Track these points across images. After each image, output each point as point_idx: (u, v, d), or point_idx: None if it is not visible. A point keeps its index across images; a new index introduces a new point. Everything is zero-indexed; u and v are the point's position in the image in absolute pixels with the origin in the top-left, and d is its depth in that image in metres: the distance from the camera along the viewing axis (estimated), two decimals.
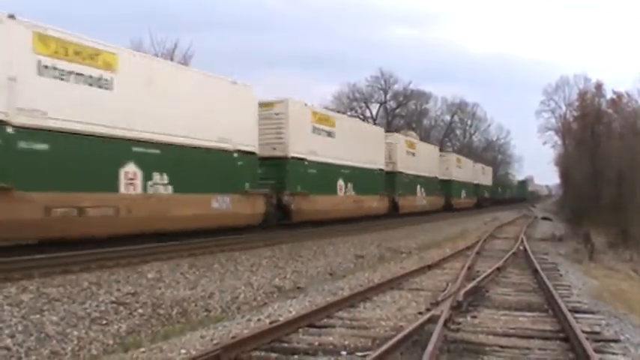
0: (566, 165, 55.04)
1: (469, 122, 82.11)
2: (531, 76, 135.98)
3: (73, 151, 11.39)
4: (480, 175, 55.89)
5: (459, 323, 6.99)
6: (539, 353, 5.86)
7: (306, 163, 20.16)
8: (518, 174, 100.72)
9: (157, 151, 13.38)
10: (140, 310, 7.96)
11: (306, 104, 21.07)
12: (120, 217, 12.25)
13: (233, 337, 6.22)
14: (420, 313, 7.54)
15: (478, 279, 9.97)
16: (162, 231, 13.70)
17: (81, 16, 60.00)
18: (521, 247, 16.63)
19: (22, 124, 10.45)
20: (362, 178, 24.70)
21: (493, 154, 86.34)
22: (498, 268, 11.79)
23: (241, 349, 5.64)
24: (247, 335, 6.07)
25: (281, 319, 7.16)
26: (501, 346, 6.02)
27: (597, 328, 6.91)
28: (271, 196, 18.00)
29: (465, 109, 79.47)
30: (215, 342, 6.22)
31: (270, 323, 6.85)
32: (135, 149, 12.84)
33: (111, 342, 6.76)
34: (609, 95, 47.96)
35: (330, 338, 6.30)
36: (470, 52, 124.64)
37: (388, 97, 66.14)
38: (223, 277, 10.79)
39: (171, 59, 33.90)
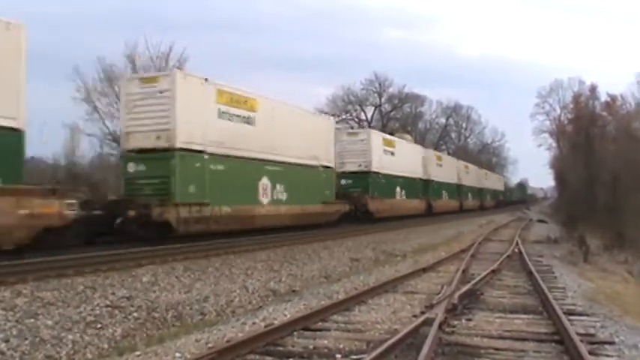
0: (561, 167, 55.23)
1: (464, 125, 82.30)
2: (526, 79, 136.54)
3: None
4: (497, 182, 73.66)
5: (454, 326, 7.00)
6: (534, 355, 5.87)
7: (434, 182, 39.93)
8: (513, 176, 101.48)
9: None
10: (135, 314, 7.95)
11: (434, 152, 45.14)
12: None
13: (228, 341, 6.22)
14: (415, 316, 7.54)
15: (473, 282, 9.97)
16: (405, 215, 31.80)
17: (76, 17, 60.00)
18: (516, 250, 16.66)
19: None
20: (450, 190, 44.81)
21: (488, 157, 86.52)
22: (493, 271, 11.80)
23: (236, 352, 5.64)
24: (242, 339, 6.07)
25: (276, 322, 7.16)
26: (496, 349, 6.02)
27: (592, 330, 6.93)
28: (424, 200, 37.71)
29: (460, 112, 79.67)
30: (210, 345, 6.21)
31: (265, 327, 6.85)
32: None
33: (106, 346, 6.75)
34: (604, 98, 48.22)
35: (325, 341, 6.30)
36: (464, 55, 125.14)
37: (383, 100, 66.21)
38: (218, 280, 10.78)
39: (166, 62, 33.92)
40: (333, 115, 48.72)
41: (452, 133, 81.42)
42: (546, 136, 65.09)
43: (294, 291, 10.50)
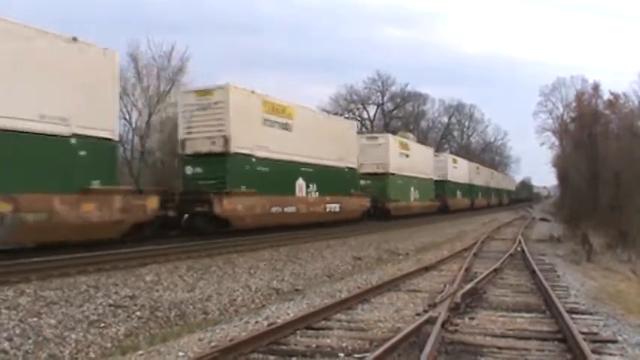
0: (563, 166, 55.07)
1: (466, 124, 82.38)
2: (528, 77, 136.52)
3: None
4: (509, 183, 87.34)
5: (457, 325, 6.99)
6: (537, 354, 5.86)
7: (475, 185, 54.90)
8: (515, 175, 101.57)
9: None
10: (138, 313, 7.95)
11: (474, 164, 57.14)
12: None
13: (231, 340, 6.22)
14: (418, 314, 7.53)
15: (476, 280, 9.96)
16: (461, 209, 46.78)
17: (76, 17, 60.05)
18: (518, 249, 16.63)
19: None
20: (482, 191, 58.84)
21: (491, 156, 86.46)
22: (496, 270, 11.78)
23: (239, 351, 5.65)
24: (245, 338, 6.07)
25: (279, 321, 7.16)
26: (499, 348, 6.01)
27: (595, 329, 6.91)
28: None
29: (463, 111, 79.74)
30: (213, 344, 6.22)
31: (268, 325, 6.85)
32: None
33: (109, 345, 6.76)
34: (606, 96, 48.00)
35: (328, 340, 6.30)
36: (467, 53, 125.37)
37: (385, 98, 66.29)
38: (221, 279, 10.79)
39: (169, 62, 34.04)
40: (335, 113, 50.35)
41: (454, 131, 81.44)
42: (549, 134, 64.98)
43: (297, 290, 10.50)
